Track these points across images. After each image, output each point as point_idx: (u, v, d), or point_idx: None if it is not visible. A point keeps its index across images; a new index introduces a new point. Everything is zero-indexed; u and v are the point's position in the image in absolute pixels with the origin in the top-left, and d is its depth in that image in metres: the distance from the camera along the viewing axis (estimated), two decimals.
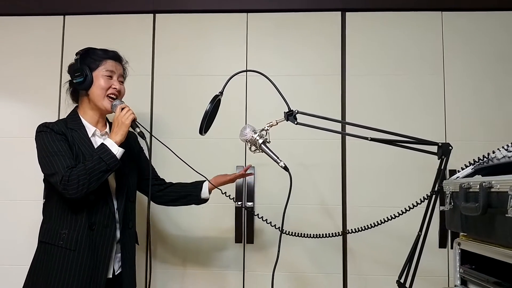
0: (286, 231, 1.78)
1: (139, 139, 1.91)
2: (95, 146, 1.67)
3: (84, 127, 1.71)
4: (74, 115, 1.75)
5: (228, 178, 1.91)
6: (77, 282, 1.58)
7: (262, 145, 1.63)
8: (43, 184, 2.21)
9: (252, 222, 2.22)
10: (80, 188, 1.53)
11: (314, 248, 2.22)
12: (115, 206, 1.72)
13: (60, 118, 2.29)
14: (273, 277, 1.61)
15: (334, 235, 1.83)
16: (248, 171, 1.94)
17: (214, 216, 2.26)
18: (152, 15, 2.37)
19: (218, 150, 2.27)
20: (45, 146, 1.60)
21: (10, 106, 2.35)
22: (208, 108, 1.63)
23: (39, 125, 1.68)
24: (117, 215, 1.72)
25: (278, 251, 1.62)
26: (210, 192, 1.91)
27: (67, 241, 1.59)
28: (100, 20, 2.37)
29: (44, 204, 1.74)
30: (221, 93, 1.68)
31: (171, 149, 1.78)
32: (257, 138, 1.63)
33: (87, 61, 1.71)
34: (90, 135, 1.71)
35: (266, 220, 1.83)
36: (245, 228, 2.22)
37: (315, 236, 1.83)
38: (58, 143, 1.61)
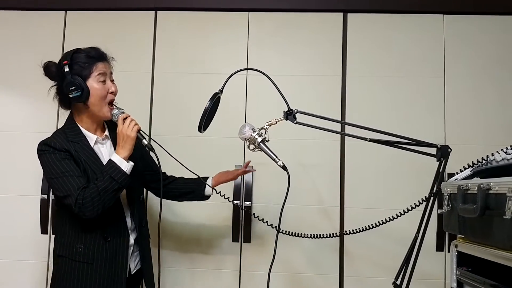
0: (284, 230, 1.78)
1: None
2: (99, 155, 1.65)
3: (85, 137, 1.65)
4: (71, 124, 1.67)
5: (230, 177, 1.93)
6: None
7: (261, 143, 1.63)
8: (41, 179, 2.23)
9: (249, 221, 2.21)
10: (96, 209, 1.50)
11: (311, 248, 2.21)
12: (129, 213, 1.72)
13: (59, 114, 2.28)
14: (269, 277, 1.60)
15: (331, 235, 1.82)
16: (248, 168, 1.94)
17: (211, 215, 2.25)
18: (153, 12, 2.37)
19: (217, 148, 2.27)
20: (51, 167, 1.55)
21: (10, 101, 2.35)
22: (207, 105, 1.62)
23: (39, 144, 1.60)
24: (130, 222, 1.72)
25: (275, 250, 1.62)
26: (213, 188, 1.91)
27: (84, 255, 1.59)
28: (101, 16, 2.37)
29: (55, 217, 1.73)
30: (221, 91, 1.67)
31: (173, 155, 1.74)
32: (256, 136, 1.63)
33: (76, 70, 1.59)
34: (92, 145, 1.66)
35: (263, 219, 1.82)
36: (242, 227, 2.22)
37: (311, 236, 1.82)
38: (64, 162, 1.55)
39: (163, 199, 1.96)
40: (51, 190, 2.21)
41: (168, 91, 2.33)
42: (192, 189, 1.92)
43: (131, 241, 1.71)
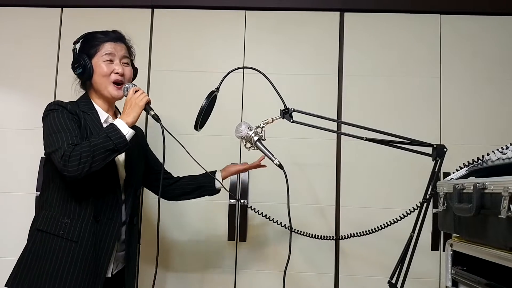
0: (295, 229, 1.76)
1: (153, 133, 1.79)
2: None
3: (97, 111, 1.62)
4: (86, 99, 1.65)
5: (242, 168, 1.88)
6: (77, 276, 1.47)
7: (257, 142, 1.63)
8: (35, 177, 2.22)
9: (245, 219, 2.21)
10: (82, 166, 1.39)
11: (306, 247, 2.21)
12: (123, 199, 1.63)
13: None
14: (285, 276, 1.60)
15: (329, 238, 1.82)
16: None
17: (207, 213, 2.25)
18: (150, 10, 2.36)
19: (213, 147, 2.27)
20: (54, 123, 1.48)
21: (6, 98, 2.33)
22: (203, 104, 1.62)
23: (50, 103, 1.55)
24: (123, 209, 1.63)
25: (290, 250, 1.60)
26: (222, 182, 1.85)
27: (70, 231, 1.48)
28: (98, 14, 2.36)
29: (42, 191, 1.60)
30: (217, 89, 1.67)
31: (183, 144, 1.72)
32: (252, 135, 1.63)
33: (85, 49, 1.62)
34: (102, 121, 1.62)
35: (270, 217, 1.79)
36: (238, 225, 2.21)
37: (308, 235, 1.82)
38: (68, 122, 1.49)
39: (168, 201, 1.92)
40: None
41: (165, 89, 2.32)
42: (201, 184, 1.86)
43: (122, 234, 1.63)
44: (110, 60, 1.62)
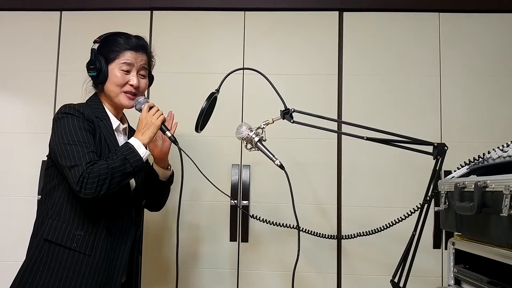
0: (303, 228, 1.76)
1: None
2: (119, 143, 1.55)
3: (109, 118, 1.57)
4: (97, 102, 1.58)
5: (161, 144, 1.72)
6: None
7: (258, 143, 1.63)
8: (36, 181, 2.22)
9: (247, 220, 2.21)
10: (99, 189, 1.35)
11: (308, 247, 2.21)
12: (134, 210, 1.59)
13: None
14: (294, 275, 1.61)
15: (330, 237, 1.83)
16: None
17: (209, 214, 2.25)
18: (149, 12, 2.36)
19: (213, 148, 2.27)
20: (70, 132, 1.41)
21: (5, 102, 2.34)
22: (204, 105, 1.62)
23: (65, 105, 1.48)
24: (135, 221, 1.59)
25: (298, 250, 1.61)
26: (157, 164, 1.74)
27: (82, 245, 1.42)
28: (97, 16, 2.36)
29: (46, 196, 1.50)
30: (218, 90, 1.67)
31: (199, 168, 1.69)
32: (253, 136, 1.63)
33: (104, 51, 1.55)
34: (114, 128, 1.57)
35: (272, 222, 1.80)
36: (239, 226, 2.22)
37: (316, 235, 1.82)
38: (85, 132, 1.43)
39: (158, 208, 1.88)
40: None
41: (165, 91, 2.32)
42: (156, 184, 1.74)
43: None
44: (127, 71, 1.57)
